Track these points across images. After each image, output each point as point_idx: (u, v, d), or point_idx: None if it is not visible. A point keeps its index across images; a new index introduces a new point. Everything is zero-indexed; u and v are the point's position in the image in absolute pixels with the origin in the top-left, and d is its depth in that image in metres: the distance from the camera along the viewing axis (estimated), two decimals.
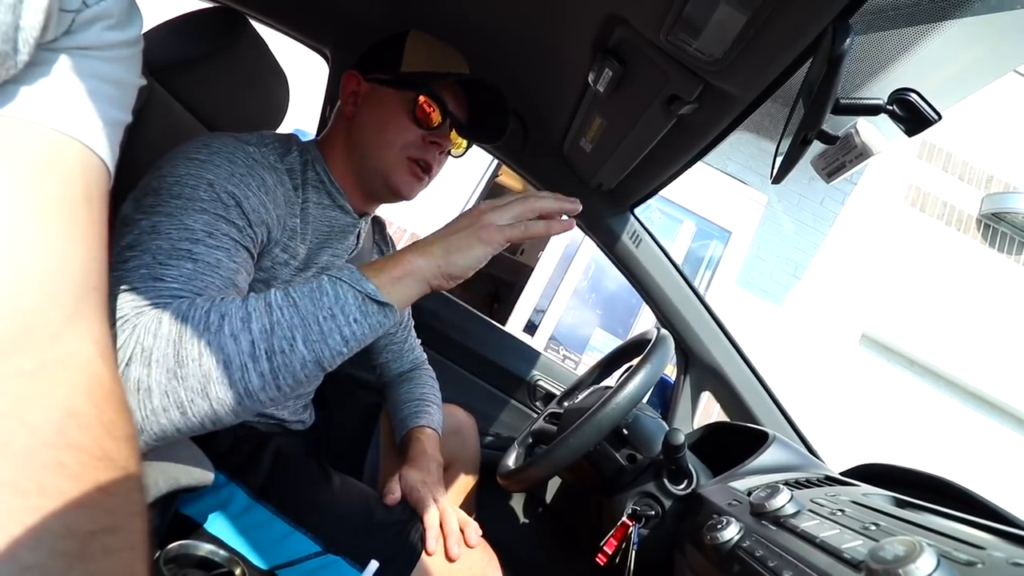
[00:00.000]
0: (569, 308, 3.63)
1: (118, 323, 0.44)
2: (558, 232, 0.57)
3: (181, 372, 0.43)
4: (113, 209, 0.38)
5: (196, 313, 0.46)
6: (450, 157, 0.82)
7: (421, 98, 0.72)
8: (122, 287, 0.47)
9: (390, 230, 1.02)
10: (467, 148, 0.83)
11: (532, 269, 3.77)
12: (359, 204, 0.79)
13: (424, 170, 0.76)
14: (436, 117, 0.74)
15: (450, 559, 0.69)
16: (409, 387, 0.98)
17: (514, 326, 3.57)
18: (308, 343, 0.46)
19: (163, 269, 0.49)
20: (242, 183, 0.59)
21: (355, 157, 0.75)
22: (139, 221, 0.52)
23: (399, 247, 1.00)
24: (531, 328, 3.60)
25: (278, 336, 0.46)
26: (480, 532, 0.74)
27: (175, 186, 0.55)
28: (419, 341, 1.09)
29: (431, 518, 0.71)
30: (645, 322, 3.52)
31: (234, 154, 0.60)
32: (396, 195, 0.77)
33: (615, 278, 3.59)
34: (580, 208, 0.59)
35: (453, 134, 0.78)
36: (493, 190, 4.44)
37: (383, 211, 0.93)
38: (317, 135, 1.27)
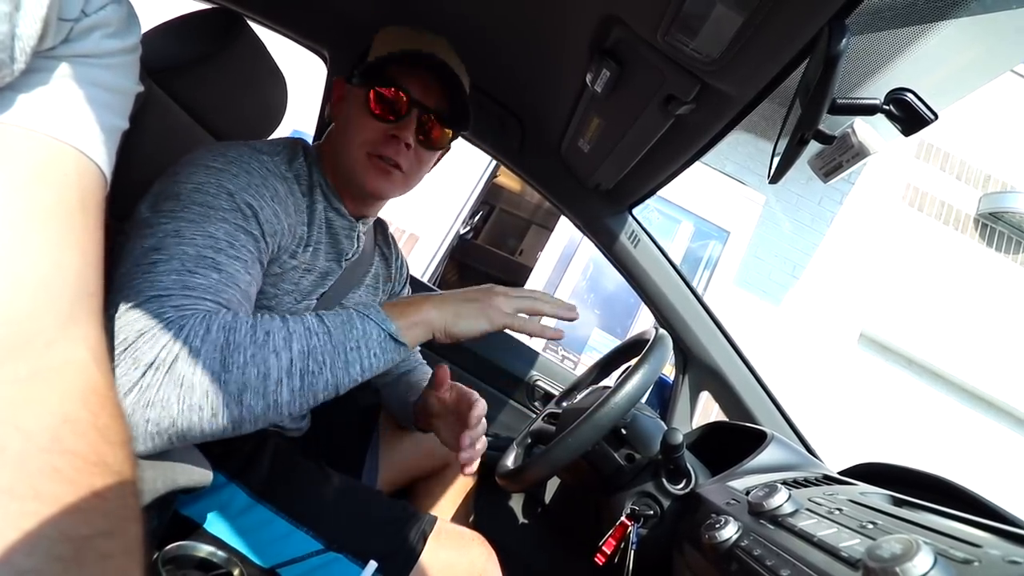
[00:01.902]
0: None
1: (160, 325, 0.46)
2: (548, 337, 0.67)
3: (225, 377, 0.47)
4: (111, 212, 0.38)
5: (243, 327, 0.50)
6: (429, 150, 0.76)
7: (373, 91, 0.70)
8: (157, 292, 0.49)
9: (390, 230, 1.02)
10: (451, 137, 0.78)
11: (531, 269, 3.77)
12: (352, 207, 0.79)
13: (393, 166, 0.73)
14: (391, 108, 0.71)
15: (469, 459, 0.73)
16: (417, 376, 1.00)
17: None
18: (334, 369, 0.52)
19: (192, 278, 0.51)
20: (258, 194, 0.61)
21: (335, 160, 0.75)
22: (162, 224, 0.53)
23: (400, 246, 1.01)
24: None
25: (313, 359, 0.51)
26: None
27: (195, 193, 0.56)
28: None
29: (480, 406, 0.77)
30: (643, 322, 3.52)
31: (250, 164, 0.62)
32: (369, 194, 0.75)
33: (613, 278, 3.59)
34: (576, 316, 0.68)
35: (438, 126, 0.75)
36: (492, 191, 4.44)
37: (384, 212, 0.93)
38: (316, 137, 1.28)
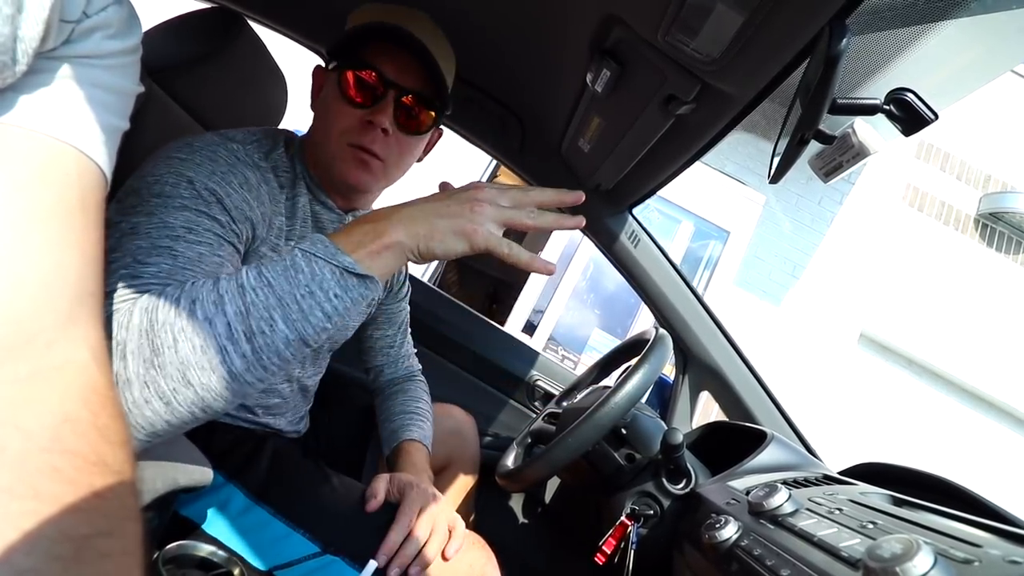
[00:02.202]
0: (568, 308, 3.64)
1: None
2: (537, 269, 0.53)
3: (158, 361, 0.42)
4: None
5: (166, 301, 0.44)
6: (410, 135, 0.71)
7: (345, 73, 0.67)
8: (104, 291, 0.45)
9: None
10: (434, 121, 0.73)
11: None
12: (340, 200, 0.77)
13: (373, 156, 0.69)
14: (365, 91, 0.67)
15: None
16: (404, 399, 0.96)
17: (513, 326, 3.57)
18: (289, 322, 0.45)
19: (142, 267, 0.48)
20: (223, 180, 0.58)
21: (315, 152, 0.73)
22: (119, 223, 0.51)
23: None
24: (530, 328, 3.60)
25: (255, 317, 0.44)
26: (459, 546, 0.71)
27: (155, 185, 0.54)
28: (414, 349, 1.08)
29: (396, 534, 0.66)
30: (643, 322, 3.52)
31: (216, 152, 0.60)
32: (348, 187, 0.72)
33: (614, 278, 3.59)
34: (582, 198, 0.55)
35: (420, 108, 0.70)
36: None
37: (379, 205, 0.92)
38: None
